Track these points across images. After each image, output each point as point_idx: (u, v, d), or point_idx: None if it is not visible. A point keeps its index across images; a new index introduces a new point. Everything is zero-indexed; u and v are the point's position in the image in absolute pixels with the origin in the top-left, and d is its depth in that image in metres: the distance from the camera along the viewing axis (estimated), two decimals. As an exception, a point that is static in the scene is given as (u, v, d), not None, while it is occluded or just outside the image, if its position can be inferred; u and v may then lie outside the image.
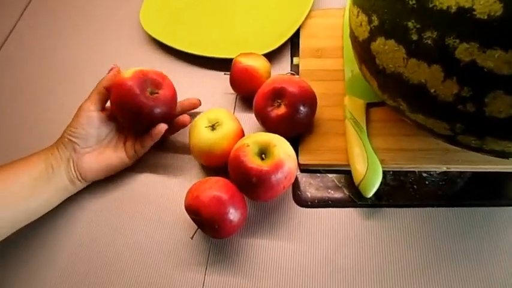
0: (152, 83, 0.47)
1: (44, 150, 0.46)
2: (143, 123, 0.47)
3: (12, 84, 0.63)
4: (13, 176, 0.43)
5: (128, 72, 0.46)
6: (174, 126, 0.49)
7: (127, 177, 0.51)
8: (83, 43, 0.66)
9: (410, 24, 0.32)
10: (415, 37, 0.32)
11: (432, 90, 0.33)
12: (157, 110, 0.46)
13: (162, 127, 0.47)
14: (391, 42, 0.35)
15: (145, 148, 0.49)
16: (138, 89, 0.45)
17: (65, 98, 0.60)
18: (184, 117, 0.49)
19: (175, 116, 0.50)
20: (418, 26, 0.32)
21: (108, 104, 0.49)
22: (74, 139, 0.46)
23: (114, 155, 0.49)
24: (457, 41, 0.30)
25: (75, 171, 0.46)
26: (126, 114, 0.47)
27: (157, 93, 0.47)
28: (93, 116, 0.47)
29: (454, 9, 0.30)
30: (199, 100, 0.53)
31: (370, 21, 0.37)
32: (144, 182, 0.50)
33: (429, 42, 0.32)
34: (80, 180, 0.47)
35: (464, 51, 0.30)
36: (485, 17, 0.28)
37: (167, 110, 0.48)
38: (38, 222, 0.48)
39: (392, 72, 0.36)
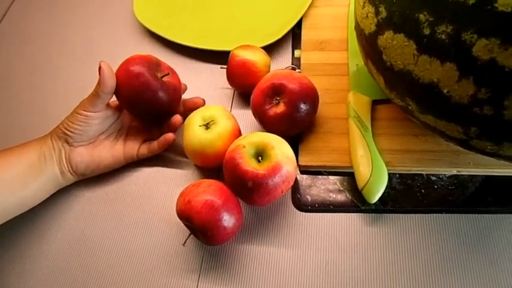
0: (162, 69, 0.46)
1: (38, 139, 0.45)
2: (145, 106, 0.44)
3: (4, 75, 0.61)
4: (6, 164, 0.42)
5: (140, 53, 0.45)
6: (169, 127, 0.47)
7: (118, 174, 0.48)
8: (75, 35, 0.64)
9: (422, 16, 0.29)
10: (427, 31, 0.29)
11: (445, 91, 0.30)
12: (163, 94, 0.44)
13: (170, 137, 0.46)
14: (400, 36, 0.31)
15: (150, 154, 0.48)
16: (148, 69, 0.44)
17: (57, 90, 0.58)
18: (176, 118, 0.46)
19: (177, 112, 0.48)
20: (431, 18, 0.29)
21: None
22: (68, 133, 0.44)
23: (109, 153, 0.47)
24: (475, 36, 0.27)
25: (66, 164, 0.45)
26: (130, 92, 0.44)
27: (166, 76, 0.46)
28: (92, 117, 0.44)
29: (472, 0, 0.26)
30: (204, 100, 0.50)
31: (377, 13, 0.34)
32: (135, 182, 0.48)
33: (443, 37, 0.28)
34: (71, 173, 0.45)
35: (482, 48, 0.27)
36: (509, 10, 0.25)
37: (172, 98, 0.46)
38: (23, 220, 0.46)
39: (401, 69, 0.33)
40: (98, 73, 0.43)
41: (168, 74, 0.46)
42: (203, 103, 0.50)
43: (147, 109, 0.45)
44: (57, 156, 0.44)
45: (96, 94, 0.43)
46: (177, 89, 0.47)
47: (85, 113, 0.43)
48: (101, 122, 0.45)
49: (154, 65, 0.45)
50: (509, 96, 0.27)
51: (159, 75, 0.45)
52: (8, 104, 0.58)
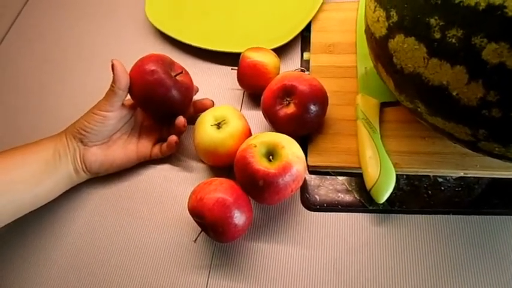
0: (176, 69, 0.47)
1: (52, 137, 0.45)
2: (158, 103, 0.45)
3: (15, 75, 0.62)
4: (21, 161, 0.43)
5: (154, 53, 0.46)
6: (175, 128, 0.47)
7: (130, 172, 0.49)
8: (86, 35, 0.65)
9: (433, 21, 0.30)
10: (437, 35, 0.30)
11: (454, 93, 0.31)
12: (176, 92, 0.45)
13: (172, 139, 0.46)
14: (411, 40, 0.32)
15: (162, 156, 0.49)
16: (162, 67, 0.45)
17: (68, 90, 0.59)
18: (179, 120, 0.46)
19: (187, 112, 0.49)
20: (441, 23, 0.30)
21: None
22: (84, 133, 0.45)
23: (122, 153, 0.47)
24: (485, 40, 0.28)
25: (80, 162, 0.45)
26: (144, 89, 0.44)
27: (179, 74, 0.47)
28: (109, 117, 0.45)
29: (483, 5, 0.27)
30: (212, 101, 0.51)
31: (388, 17, 0.34)
32: (147, 180, 0.49)
33: (453, 41, 0.29)
34: (84, 171, 0.46)
35: (492, 52, 0.27)
36: (518, 15, 0.26)
37: (184, 97, 0.47)
38: (37, 217, 0.47)
39: (411, 72, 0.34)
40: (108, 73, 0.43)
41: (182, 72, 0.47)
42: (212, 104, 0.51)
43: (160, 106, 0.46)
44: (71, 155, 0.45)
45: (112, 92, 0.44)
46: (190, 88, 0.48)
47: (102, 112, 0.44)
48: (116, 122, 0.46)
49: (168, 63, 0.46)
50: (517, 99, 0.28)
51: (173, 73, 0.46)
52: (16, 104, 0.59)
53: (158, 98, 0.45)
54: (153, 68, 0.44)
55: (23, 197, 0.42)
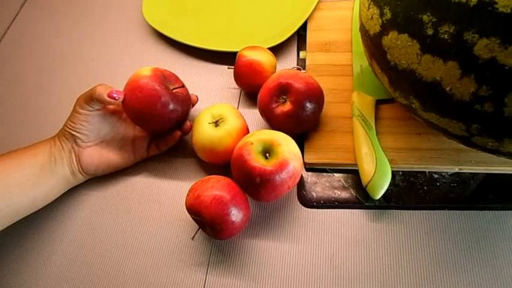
0: (170, 80, 0.47)
1: (46, 141, 0.45)
2: (159, 120, 0.45)
3: (13, 76, 0.62)
4: (17, 166, 0.43)
5: (145, 69, 0.45)
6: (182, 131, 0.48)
7: (127, 172, 0.50)
8: (84, 36, 0.65)
9: (425, 17, 0.30)
10: (430, 31, 0.30)
11: (447, 89, 0.31)
12: (175, 106, 0.45)
13: (177, 134, 0.47)
14: (404, 36, 0.33)
15: (160, 152, 0.49)
16: (158, 84, 0.44)
17: (66, 91, 0.59)
18: (187, 125, 0.47)
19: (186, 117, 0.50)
20: (434, 19, 0.30)
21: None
22: (75, 133, 0.45)
23: (118, 153, 0.48)
24: (476, 36, 0.28)
25: (76, 164, 0.45)
26: (142, 109, 0.44)
27: (178, 87, 0.47)
28: (90, 114, 0.45)
29: (474, 2, 0.27)
30: (197, 96, 0.51)
31: (382, 14, 0.35)
32: (145, 178, 0.49)
33: (446, 37, 0.30)
34: (81, 173, 0.46)
35: (483, 47, 0.28)
36: (508, 11, 0.26)
37: (184, 108, 0.47)
38: (36, 218, 0.47)
39: (405, 68, 0.34)
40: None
41: (177, 88, 0.47)
42: (196, 99, 0.51)
43: (160, 121, 0.46)
44: (67, 157, 0.45)
45: (90, 94, 0.44)
46: (188, 98, 0.48)
47: (83, 111, 0.44)
48: (100, 118, 0.46)
49: (163, 77, 0.45)
50: (509, 93, 0.28)
51: (170, 86, 0.46)
52: (15, 104, 0.59)
53: (157, 128, 0.46)
54: (149, 92, 0.43)
55: (20, 201, 0.42)
